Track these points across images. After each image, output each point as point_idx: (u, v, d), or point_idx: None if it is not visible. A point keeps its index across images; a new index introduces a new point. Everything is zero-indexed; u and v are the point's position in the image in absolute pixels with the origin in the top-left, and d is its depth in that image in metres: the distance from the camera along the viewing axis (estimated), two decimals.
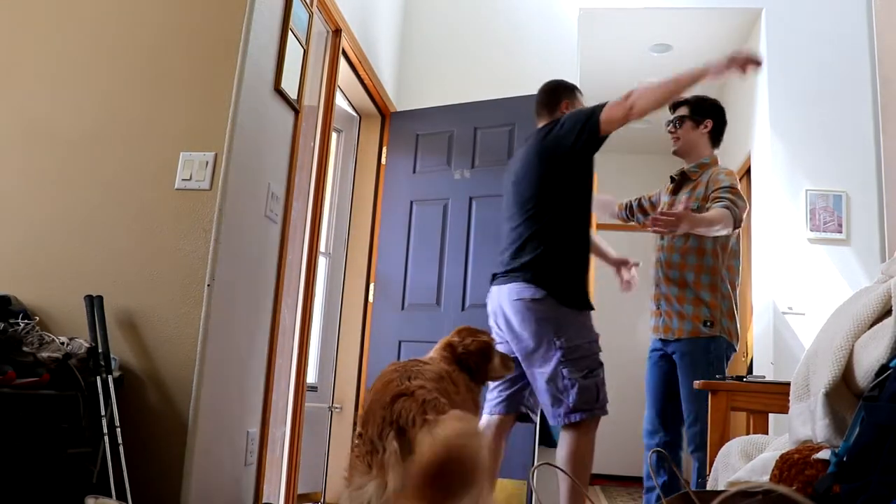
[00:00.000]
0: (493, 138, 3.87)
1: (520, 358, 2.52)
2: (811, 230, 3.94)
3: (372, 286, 4.02)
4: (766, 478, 1.34)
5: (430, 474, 1.26)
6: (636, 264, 3.10)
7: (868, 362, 1.22)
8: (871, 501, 0.99)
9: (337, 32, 3.34)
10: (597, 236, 2.97)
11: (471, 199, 3.86)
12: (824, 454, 1.22)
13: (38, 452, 1.83)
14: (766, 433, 2.39)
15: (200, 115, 2.33)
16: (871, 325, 1.29)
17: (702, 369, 2.76)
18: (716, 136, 3.06)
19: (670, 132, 3.06)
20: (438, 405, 1.65)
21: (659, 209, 3.05)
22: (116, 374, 2.10)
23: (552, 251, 2.51)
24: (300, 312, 3.17)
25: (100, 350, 2.05)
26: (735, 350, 2.93)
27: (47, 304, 2.25)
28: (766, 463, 1.43)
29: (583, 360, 2.45)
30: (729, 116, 3.15)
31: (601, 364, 2.52)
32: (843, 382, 1.27)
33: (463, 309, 3.73)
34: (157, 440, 2.13)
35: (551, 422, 2.51)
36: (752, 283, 4.48)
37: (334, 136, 3.89)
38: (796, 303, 3.88)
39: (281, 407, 3.07)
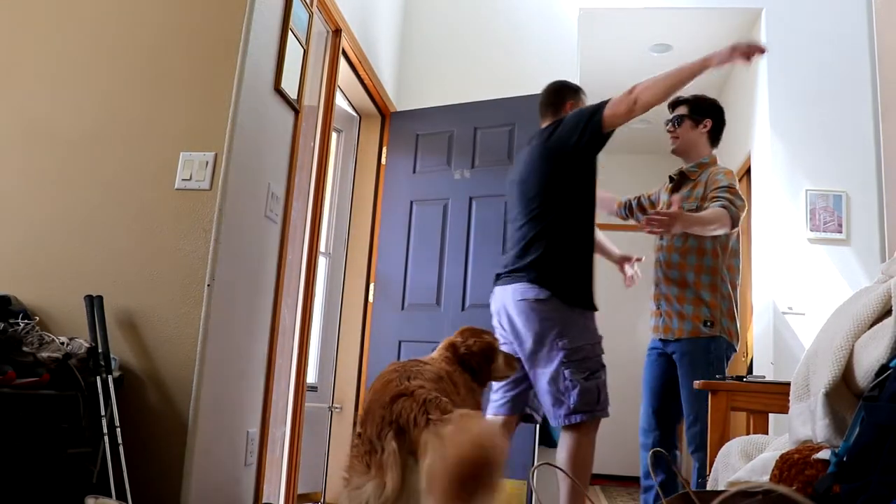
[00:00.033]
0: (493, 138, 3.87)
1: (523, 358, 2.52)
2: (811, 230, 3.94)
3: (372, 286, 4.02)
4: (766, 478, 1.34)
5: (463, 472, 1.25)
6: (639, 259, 3.10)
7: (868, 362, 1.22)
8: (871, 501, 0.99)
9: (337, 32, 3.34)
10: (599, 234, 2.97)
11: (471, 199, 3.86)
12: (824, 454, 1.22)
13: (38, 452, 1.83)
14: (766, 433, 2.39)
15: (200, 115, 2.33)
16: (871, 325, 1.29)
17: (702, 369, 2.76)
18: (715, 136, 3.06)
19: (669, 131, 3.06)
20: (441, 404, 1.64)
21: (658, 209, 3.05)
22: (116, 374, 2.10)
23: (556, 251, 2.51)
24: (300, 312, 3.17)
25: (100, 350, 2.05)
26: (735, 350, 2.93)
27: (47, 304, 2.25)
28: (766, 463, 1.43)
29: (585, 362, 2.44)
30: (729, 116, 3.15)
31: (603, 366, 2.52)
32: (843, 382, 1.27)
33: (463, 309, 3.73)
34: (157, 440, 2.13)
35: (552, 422, 2.51)
36: (752, 283, 4.48)
37: (334, 136, 3.89)
38: (796, 303, 3.88)
39: (281, 407, 3.07)
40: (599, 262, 3.12)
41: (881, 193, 3.87)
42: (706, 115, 3.02)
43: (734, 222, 2.75)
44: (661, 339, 2.96)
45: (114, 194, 2.33)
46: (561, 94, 2.77)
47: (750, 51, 2.46)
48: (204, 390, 2.18)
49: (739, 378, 2.43)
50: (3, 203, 2.39)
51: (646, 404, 3.00)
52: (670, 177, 3.11)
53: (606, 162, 2.66)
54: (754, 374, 3.78)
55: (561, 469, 2.41)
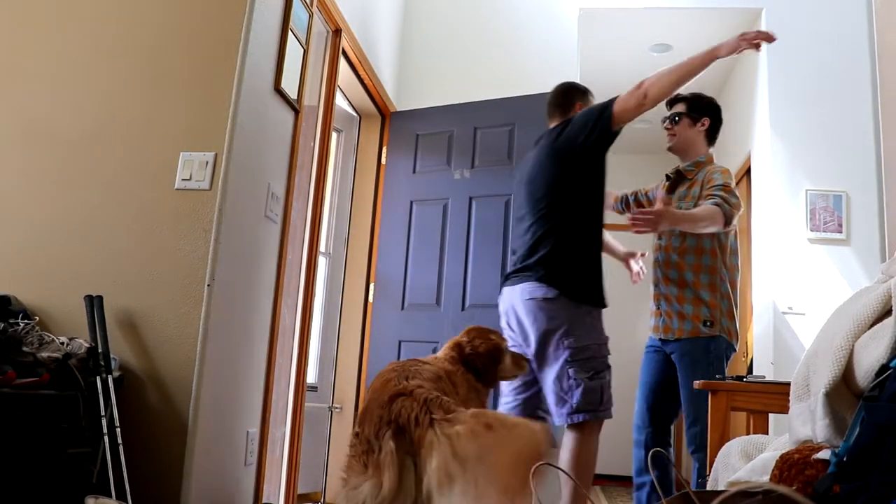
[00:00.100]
0: (493, 138, 3.87)
1: (531, 358, 2.51)
2: (811, 230, 3.94)
3: (372, 286, 4.02)
4: (766, 478, 1.34)
5: (529, 464, 1.26)
6: (643, 255, 3.10)
7: (868, 362, 1.21)
8: (871, 501, 0.99)
9: (337, 32, 3.34)
10: (604, 233, 2.97)
11: (471, 199, 3.86)
12: (824, 454, 1.22)
13: (38, 452, 1.83)
14: (766, 433, 2.39)
15: (200, 115, 2.33)
16: (872, 325, 1.29)
17: (702, 369, 2.75)
18: (712, 135, 3.05)
19: (666, 128, 3.04)
20: (444, 404, 1.64)
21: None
22: (116, 374, 2.10)
23: (564, 248, 2.50)
24: (300, 312, 3.17)
25: (100, 350, 2.05)
26: (735, 350, 2.93)
27: (47, 304, 2.25)
28: (766, 463, 1.43)
29: (590, 362, 2.44)
30: (729, 116, 3.14)
31: (608, 366, 2.51)
32: (844, 382, 1.27)
33: (463, 309, 3.73)
34: (157, 440, 2.13)
35: (556, 422, 2.51)
36: (752, 283, 4.48)
37: (334, 136, 3.89)
38: (796, 303, 3.88)
39: (281, 407, 3.07)
40: (604, 260, 3.13)
41: (881, 193, 3.87)
42: (704, 113, 3.02)
43: (727, 220, 2.73)
44: (660, 339, 2.96)
45: (114, 194, 2.33)
46: (569, 95, 2.78)
47: (758, 39, 2.45)
48: (204, 390, 2.18)
49: (739, 378, 2.43)
50: (3, 203, 2.39)
51: (641, 401, 2.99)
52: (667, 175, 3.11)
53: (607, 161, 2.65)
54: (754, 374, 3.78)
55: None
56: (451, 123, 3.98)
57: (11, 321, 2.03)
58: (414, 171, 4.05)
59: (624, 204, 3.29)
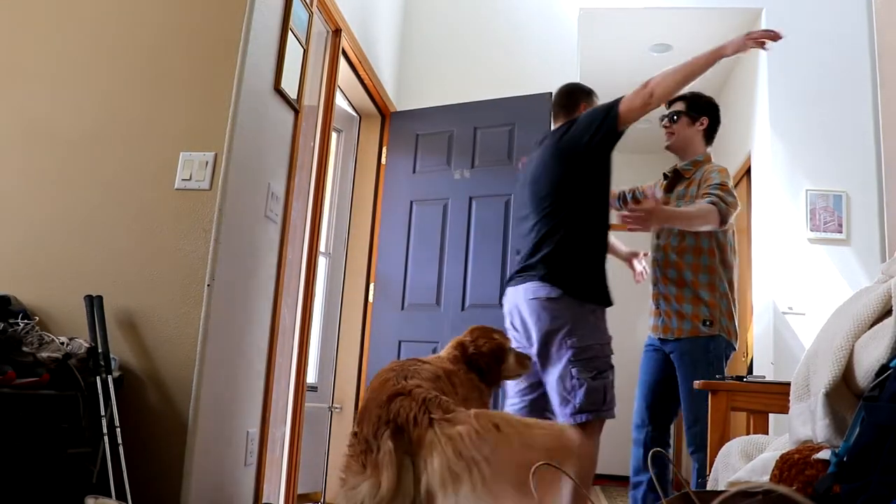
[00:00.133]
0: (493, 138, 3.87)
1: (535, 358, 2.51)
2: (811, 230, 3.94)
3: (372, 286, 4.02)
4: (766, 478, 1.34)
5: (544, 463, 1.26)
6: (646, 254, 3.10)
7: (868, 362, 1.21)
8: (871, 501, 0.99)
9: (337, 32, 3.34)
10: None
11: (471, 198, 3.86)
12: (824, 454, 1.22)
13: (38, 452, 1.83)
14: (766, 433, 2.39)
15: (200, 115, 2.33)
16: (872, 325, 1.29)
17: (701, 369, 2.75)
18: (710, 134, 3.05)
19: (665, 126, 3.04)
20: (443, 403, 1.64)
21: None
22: (116, 374, 2.10)
23: (568, 247, 2.50)
24: (300, 312, 3.17)
25: (100, 350, 2.05)
26: (734, 349, 2.93)
27: (47, 304, 2.25)
28: (766, 463, 1.43)
29: (593, 361, 2.44)
30: (729, 116, 3.15)
31: (612, 366, 2.50)
32: (844, 382, 1.27)
33: (463, 309, 3.73)
34: (157, 440, 2.13)
35: (559, 421, 2.50)
36: (752, 283, 4.48)
37: (334, 136, 3.90)
38: (796, 303, 3.88)
39: (281, 407, 3.07)
40: (608, 260, 3.13)
41: (881, 193, 3.87)
42: (703, 112, 3.02)
43: (723, 219, 2.72)
44: (659, 339, 2.95)
45: (114, 194, 2.33)
46: (574, 95, 2.78)
47: (763, 38, 2.45)
48: (204, 390, 2.18)
49: (739, 378, 2.43)
50: (3, 203, 2.39)
51: (640, 400, 2.99)
52: (664, 174, 3.11)
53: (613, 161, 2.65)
54: (754, 374, 3.78)
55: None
56: (451, 123, 3.98)
57: (11, 321, 2.03)
58: (414, 171, 4.05)
59: (622, 201, 3.29)
